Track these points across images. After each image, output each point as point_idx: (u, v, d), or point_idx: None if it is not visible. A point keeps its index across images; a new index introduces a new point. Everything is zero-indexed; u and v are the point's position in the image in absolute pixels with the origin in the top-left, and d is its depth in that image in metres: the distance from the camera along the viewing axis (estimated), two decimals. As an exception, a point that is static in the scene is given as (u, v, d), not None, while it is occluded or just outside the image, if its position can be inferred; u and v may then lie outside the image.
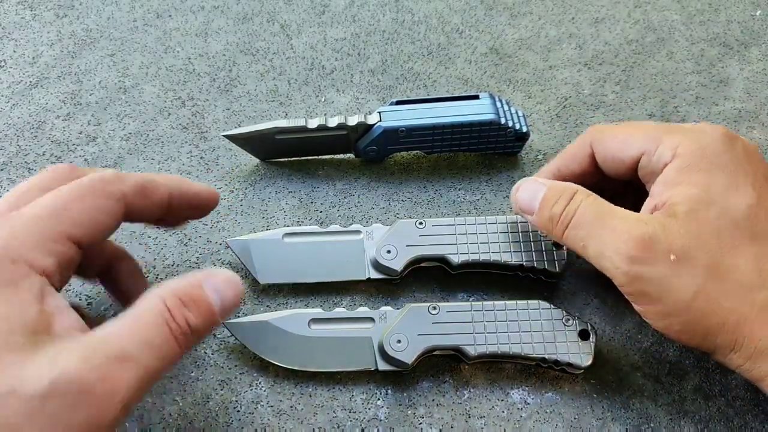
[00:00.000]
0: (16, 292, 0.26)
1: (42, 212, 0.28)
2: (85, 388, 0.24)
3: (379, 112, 0.43)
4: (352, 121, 0.43)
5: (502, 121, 0.43)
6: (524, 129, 0.44)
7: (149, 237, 0.42)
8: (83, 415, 0.24)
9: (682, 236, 0.30)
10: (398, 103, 0.44)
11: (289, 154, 0.46)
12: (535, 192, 0.35)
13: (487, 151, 0.46)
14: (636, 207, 0.34)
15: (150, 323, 0.26)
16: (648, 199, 0.34)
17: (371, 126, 0.43)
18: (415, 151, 0.46)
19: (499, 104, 0.44)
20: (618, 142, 0.35)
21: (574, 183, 0.35)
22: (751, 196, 0.31)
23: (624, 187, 0.38)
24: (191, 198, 0.34)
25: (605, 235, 0.31)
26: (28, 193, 0.30)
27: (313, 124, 0.43)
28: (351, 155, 0.46)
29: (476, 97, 0.44)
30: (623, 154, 0.35)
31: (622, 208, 0.32)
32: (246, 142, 0.44)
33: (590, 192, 0.34)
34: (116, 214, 0.30)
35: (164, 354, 0.26)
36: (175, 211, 0.34)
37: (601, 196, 0.34)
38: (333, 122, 0.43)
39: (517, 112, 0.44)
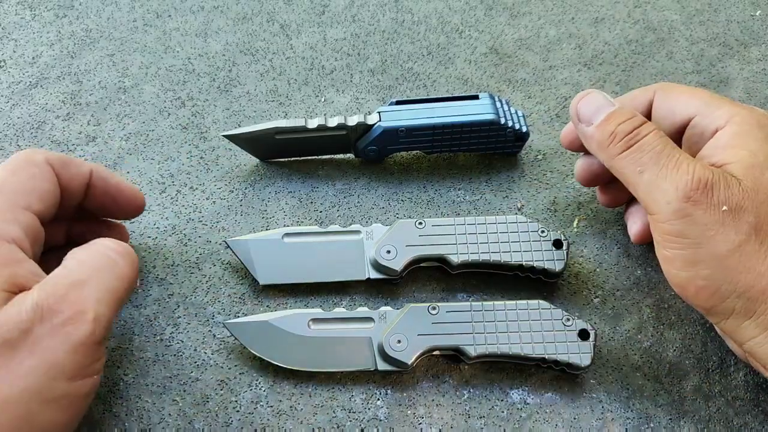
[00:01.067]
0: None
1: None
2: (55, 312, 0.27)
3: (379, 112, 0.43)
4: (352, 121, 0.43)
5: (502, 121, 0.43)
6: (524, 129, 0.44)
7: (149, 237, 0.42)
8: (63, 335, 0.27)
9: (737, 192, 0.31)
10: (398, 103, 0.44)
11: (288, 154, 0.46)
12: (601, 106, 0.35)
13: (487, 151, 0.46)
14: None
15: (93, 256, 0.31)
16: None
17: (371, 126, 0.43)
18: (415, 151, 0.46)
19: (498, 104, 0.44)
20: (679, 98, 0.36)
21: None
22: None
23: None
24: (111, 187, 0.36)
25: (668, 167, 0.32)
26: None
27: (312, 124, 0.43)
28: (351, 155, 0.46)
29: (476, 97, 0.44)
30: (679, 110, 0.36)
31: (684, 152, 0.33)
32: (246, 142, 0.44)
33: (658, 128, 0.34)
34: (50, 178, 0.33)
35: (114, 271, 0.30)
36: (95, 197, 0.36)
37: None
38: (333, 122, 0.43)
39: (516, 112, 0.44)
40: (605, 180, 0.40)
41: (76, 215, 0.37)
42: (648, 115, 0.37)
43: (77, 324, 0.28)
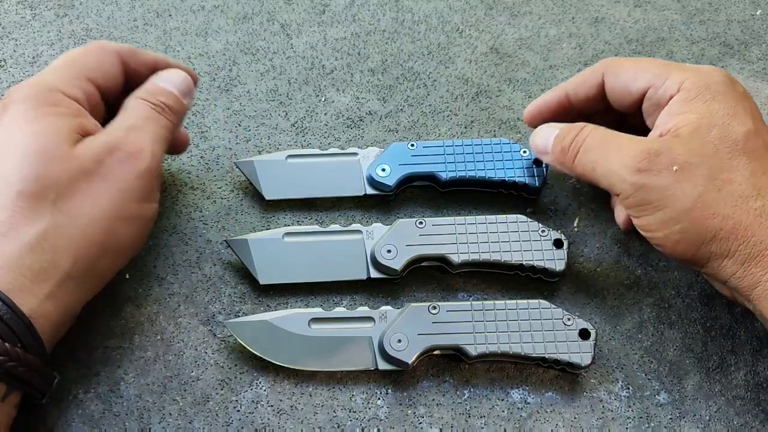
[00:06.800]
0: (59, 109, 0.34)
1: (61, 63, 0.37)
2: (118, 148, 0.34)
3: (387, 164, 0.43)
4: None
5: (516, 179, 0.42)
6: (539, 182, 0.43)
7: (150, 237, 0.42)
8: (129, 165, 0.34)
9: (684, 152, 0.33)
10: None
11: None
12: (548, 135, 0.38)
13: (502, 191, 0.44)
14: None
15: (139, 108, 0.37)
16: (653, 131, 0.37)
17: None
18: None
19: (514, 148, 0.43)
20: (629, 74, 0.38)
21: (580, 108, 0.40)
22: (749, 124, 0.34)
23: (621, 124, 0.40)
24: (173, 66, 0.41)
25: (612, 153, 0.35)
26: None
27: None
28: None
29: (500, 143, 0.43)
30: (632, 86, 0.37)
31: (627, 134, 0.36)
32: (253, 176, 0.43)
33: (597, 126, 0.37)
34: (115, 63, 0.38)
35: (160, 122, 0.37)
36: None
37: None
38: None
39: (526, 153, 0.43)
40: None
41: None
42: (602, 96, 0.40)
43: (139, 157, 0.35)
